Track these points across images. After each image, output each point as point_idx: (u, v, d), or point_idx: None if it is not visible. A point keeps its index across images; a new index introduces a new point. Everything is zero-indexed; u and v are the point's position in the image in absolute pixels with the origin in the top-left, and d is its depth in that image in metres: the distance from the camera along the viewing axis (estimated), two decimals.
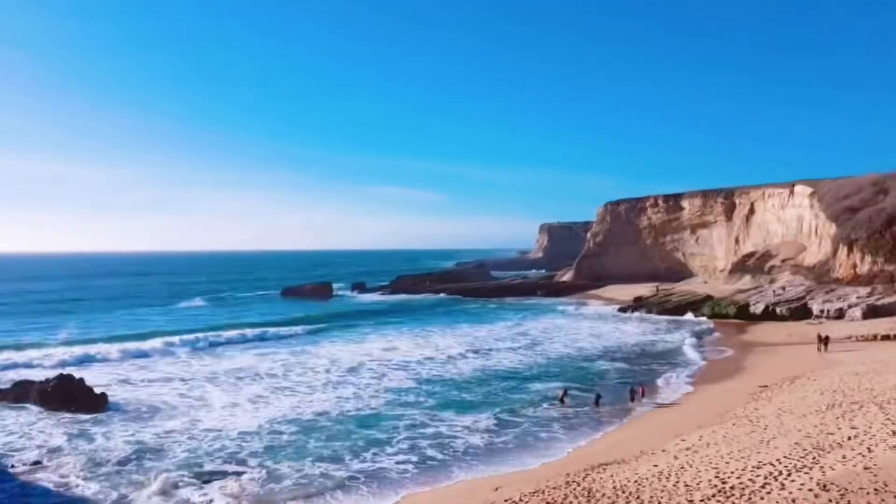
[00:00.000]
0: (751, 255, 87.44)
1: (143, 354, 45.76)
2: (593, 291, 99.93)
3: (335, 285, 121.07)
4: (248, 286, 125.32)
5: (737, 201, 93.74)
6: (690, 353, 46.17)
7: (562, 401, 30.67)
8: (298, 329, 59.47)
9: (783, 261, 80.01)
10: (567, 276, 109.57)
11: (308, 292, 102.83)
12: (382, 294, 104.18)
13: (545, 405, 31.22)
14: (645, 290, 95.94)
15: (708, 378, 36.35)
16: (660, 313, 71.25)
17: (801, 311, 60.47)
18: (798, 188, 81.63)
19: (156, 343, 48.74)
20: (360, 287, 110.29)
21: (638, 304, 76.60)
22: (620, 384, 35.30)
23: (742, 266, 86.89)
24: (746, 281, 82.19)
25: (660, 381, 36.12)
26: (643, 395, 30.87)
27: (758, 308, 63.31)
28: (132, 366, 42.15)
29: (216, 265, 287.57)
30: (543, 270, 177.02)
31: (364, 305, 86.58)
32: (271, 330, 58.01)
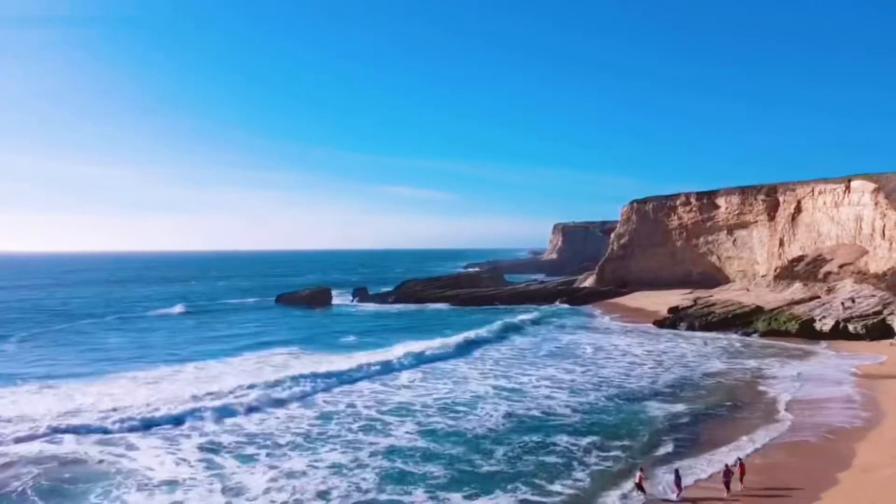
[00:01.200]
0: (799, 259, 77.49)
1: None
2: (619, 299, 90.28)
3: (336, 291, 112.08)
4: (242, 291, 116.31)
5: (780, 199, 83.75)
6: (785, 393, 35.50)
7: (640, 488, 20.78)
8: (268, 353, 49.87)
9: (840, 266, 70.04)
10: (589, 281, 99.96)
11: (304, 299, 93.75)
12: (386, 302, 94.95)
13: (594, 481, 21.97)
14: (677, 297, 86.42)
15: (822, 436, 26.61)
16: (703, 328, 61.61)
17: (880, 329, 50.90)
18: (856, 184, 71.58)
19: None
20: (363, 294, 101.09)
21: (676, 315, 66.94)
22: (703, 448, 25.76)
23: (790, 272, 76.92)
24: (797, 289, 72.25)
25: (758, 444, 26.01)
26: (743, 476, 21.25)
27: (825, 324, 53.64)
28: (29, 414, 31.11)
29: (221, 266, 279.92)
30: (558, 276, 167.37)
31: (363, 317, 77.19)
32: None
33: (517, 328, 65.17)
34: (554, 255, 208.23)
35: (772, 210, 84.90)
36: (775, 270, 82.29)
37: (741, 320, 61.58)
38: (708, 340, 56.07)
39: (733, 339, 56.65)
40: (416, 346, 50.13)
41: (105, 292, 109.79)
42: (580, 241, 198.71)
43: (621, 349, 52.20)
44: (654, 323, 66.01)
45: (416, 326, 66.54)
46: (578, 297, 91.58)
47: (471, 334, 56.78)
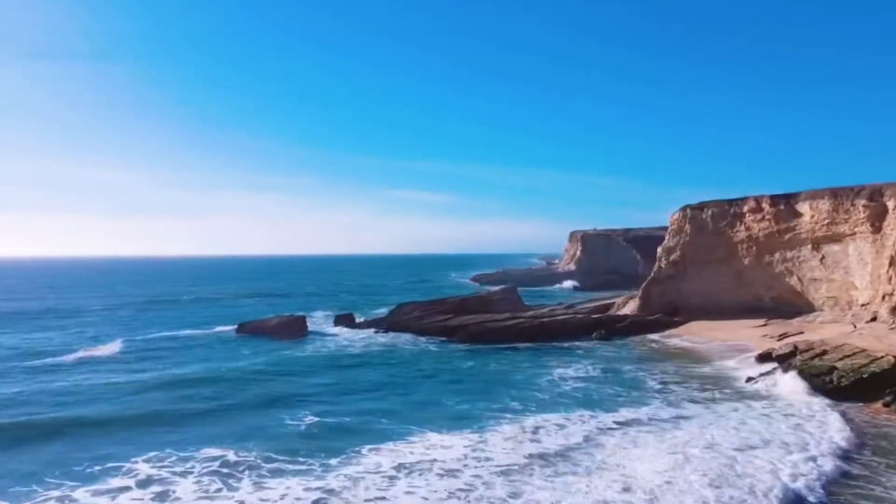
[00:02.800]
0: None
1: None
2: (672, 333, 70.57)
3: (316, 315, 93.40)
4: (207, 316, 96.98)
5: (889, 204, 63.76)
6: None
7: None
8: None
9: None
10: (629, 305, 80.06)
11: (272, 329, 74.51)
12: (373, 332, 75.49)
13: None
14: (750, 330, 67.05)
15: None
16: (830, 393, 41.60)
17: None
18: None
19: None
20: (347, 320, 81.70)
21: (772, 366, 46.91)
22: None
23: None
24: None
25: None
26: None
27: None
28: None
29: (212, 275, 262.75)
30: (581, 291, 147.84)
31: (338, 364, 56.94)
32: None
33: (546, 386, 45.27)
34: (572, 266, 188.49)
35: (877, 219, 64.80)
36: (885, 298, 62.43)
37: (887, 383, 41.54)
38: (850, 422, 36.15)
39: (890, 420, 36.62)
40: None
41: (38, 325, 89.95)
42: (601, 250, 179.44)
43: (723, 444, 32.04)
44: (749, 381, 46.09)
45: (406, 387, 46.48)
46: (619, 329, 71.78)
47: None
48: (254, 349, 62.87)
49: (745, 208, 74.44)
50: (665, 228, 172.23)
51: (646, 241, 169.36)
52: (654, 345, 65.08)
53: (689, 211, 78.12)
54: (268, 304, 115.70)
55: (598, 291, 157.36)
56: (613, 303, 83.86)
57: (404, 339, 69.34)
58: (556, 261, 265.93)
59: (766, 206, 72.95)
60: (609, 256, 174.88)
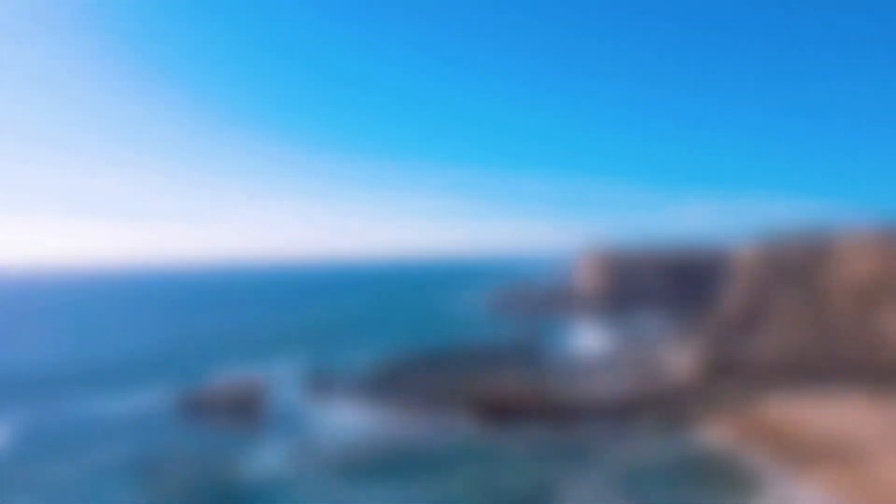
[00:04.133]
0: None
1: None
2: (756, 415, 52.79)
3: (284, 370, 75.27)
4: (152, 361, 78.65)
5: None
6: None
7: None
8: None
9: None
10: (683, 361, 62.15)
11: (221, 406, 56.66)
12: (358, 404, 57.65)
13: None
14: (865, 413, 50.52)
15: None
16: None
17: None
18: None
19: None
20: (322, 385, 63.80)
21: None
22: None
23: None
24: None
25: None
26: None
27: None
28: None
29: (185, 293, 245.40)
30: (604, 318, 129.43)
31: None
32: None
33: None
34: (593, 288, 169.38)
35: None
36: None
37: None
38: None
39: None
40: None
41: None
42: (627, 272, 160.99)
43: None
44: None
45: None
46: (670, 410, 53.88)
47: None
48: (182, 461, 43.93)
49: (843, 244, 56.68)
50: (697, 247, 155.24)
51: (675, 261, 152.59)
52: (716, 439, 47.40)
53: (765, 251, 60.31)
54: (226, 347, 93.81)
55: (625, 314, 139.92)
56: (658, 357, 65.96)
57: (395, 428, 51.11)
58: (575, 279, 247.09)
59: (871, 241, 55.21)
60: (636, 279, 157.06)
